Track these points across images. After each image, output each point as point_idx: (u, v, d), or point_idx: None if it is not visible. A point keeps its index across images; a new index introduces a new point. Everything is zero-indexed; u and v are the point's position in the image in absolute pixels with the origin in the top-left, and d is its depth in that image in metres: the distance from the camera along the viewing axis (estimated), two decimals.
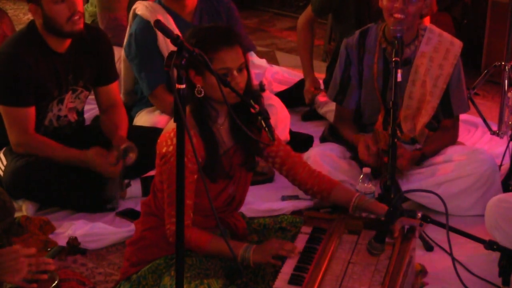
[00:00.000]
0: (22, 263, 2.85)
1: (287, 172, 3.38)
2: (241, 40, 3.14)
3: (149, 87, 4.60)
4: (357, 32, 4.29)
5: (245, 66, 3.14)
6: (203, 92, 3.04)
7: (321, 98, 5.21)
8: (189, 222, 3.10)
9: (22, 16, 7.57)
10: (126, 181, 4.31)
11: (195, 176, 3.11)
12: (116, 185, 4.20)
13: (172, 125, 3.13)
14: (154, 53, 4.56)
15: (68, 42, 4.15)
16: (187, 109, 3.12)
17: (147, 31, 4.55)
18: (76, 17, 4.02)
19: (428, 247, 3.87)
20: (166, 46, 4.50)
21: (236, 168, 3.26)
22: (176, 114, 2.51)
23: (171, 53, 2.52)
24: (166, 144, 3.09)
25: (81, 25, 4.06)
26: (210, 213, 3.21)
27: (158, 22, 2.50)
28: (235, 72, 3.07)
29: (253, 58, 5.88)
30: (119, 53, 5.14)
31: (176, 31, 4.54)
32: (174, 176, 3.01)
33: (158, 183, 3.21)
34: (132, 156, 4.12)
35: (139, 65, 4.62)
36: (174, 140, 3.03)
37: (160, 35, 4.53)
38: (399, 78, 3.82)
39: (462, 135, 4.99)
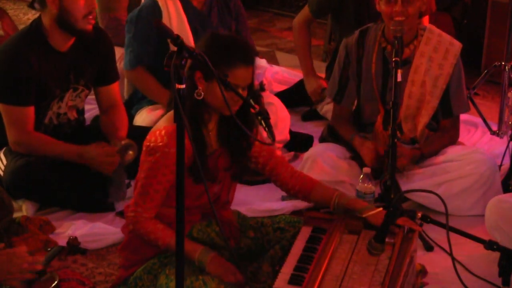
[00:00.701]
0: (14, 265, 2.86)
1: (269, 172, 3.40)
2: (255, 61, 3.16)
3: (131, 63, 4.65)
4: (357, 32, 4.30)
5: (249, 85, 3.16)
6: (202, 95, 3.04)
7: None
8: (152, 215, 3.14)
9: (22, 16, 7.56)
10: (127, 181, 4.31)
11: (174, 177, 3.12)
12: (117, 184, 4.19)
13: (162, 123, 3.15)
14: (151, 34, 4.58)
15: (71, 41, 4.15)
16: None
17: (152, 9, 4.59)
18: (91, 17, 4.04)
19: (428, 247, 3.87)
20: (170, 27, 4.52)
21: (220, 171, 3.27)
22: (176, 114, 2.51)
23: (171, 53, 2.53)
24: (155, 140, 3.11)
25: (91, 26, 4.08)
26: (193, 211, 3.24)
27: (158, 22, 2.50)
28: (240, 90, 3.08)
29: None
30: (120, 53, 5.14)
31: (183, 17, 4.58)
32: (155, 170, 3.08)
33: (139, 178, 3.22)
34: (131, 154, 4.11)
35: (131, 39, 4.66)
36: (165, 138, 3.07)
37: (165, 16, 4.56)
38: (399, 78, 3.82)
39: (462, 135, 4.98)
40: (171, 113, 3.10)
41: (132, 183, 4.30)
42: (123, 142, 4.12)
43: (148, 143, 3.14)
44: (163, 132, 3.10)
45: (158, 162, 3.08)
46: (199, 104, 3.11)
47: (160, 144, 3.08)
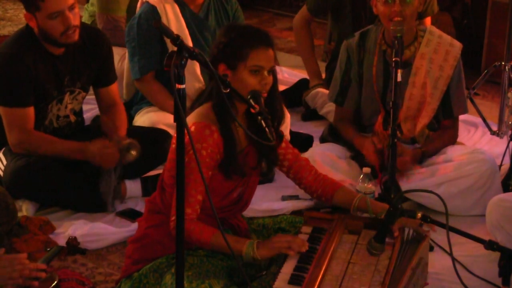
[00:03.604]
0: (15, 271, 2.85)
1: (294, 175, 3.42)
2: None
3: (140, 72, 4.64)
4: (357, 34, 4.30)
5: (274, 71, 3.19)
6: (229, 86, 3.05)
7: (322, 89, 5.22)
8: (195, 217, 3.10)
9: (22, 16, 7.55)
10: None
11: (210, 173, 3.11)
12: (110, 185, 4.18)
13: (191, 119, 3.13)
14: (153, 39, 4.59)
15: (63, 47, 4.14)
16: (208, 105, 3.15)
17: (151, 15, 4.59)
18: (70, 32, 4.02)
19: (428, 247, 3.86)
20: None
21: (248, 169, 3.27)
22: (176, 114, 2.51)
23: (171, 53, 2.53)
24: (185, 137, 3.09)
25: (76, 37, 4.05)
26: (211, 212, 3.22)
27: (157, 23, 2.50)
28: (265, 73, 3.12)
29: None
30: (118, 54, 5.14)
31: (182, 21, 4.59)
32: (190, 169, 3.04)
33: (167, 178, 3.21)
34: (133, 153, 4.11)
35: (135, 48, 4.66)
36: (195, 134, 3.05)
37: (164, 21, 4.56)
38: (399, 78, 3.82)
39: (462, 135, 4.98)
40: (200, 109, 3.15)
41: (132, 182, 4.31)
42: (125, 142, 4.12)
43: None
44: (192, 128, 3.09)
45: (192, 160, 3.06)
46: (226, 98, 3.10)
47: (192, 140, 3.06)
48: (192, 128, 3.09)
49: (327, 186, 3.40)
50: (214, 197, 3.15)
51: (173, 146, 3.16)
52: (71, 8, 4.00)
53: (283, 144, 3.37)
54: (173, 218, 3.09)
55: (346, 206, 3.37)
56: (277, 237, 3.11)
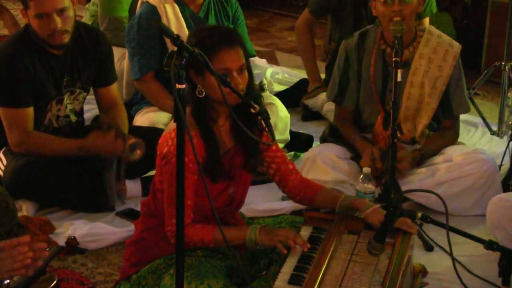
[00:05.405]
0: (17, 261, 2.84)
1: (280, 178, 3.39)
2: (242, 42, 3.13)
3: (140, 72, 4.64)
4: (357, 34, 4.30)
5: (246, 67, 3.12)
6: (204, 92, 3.03)
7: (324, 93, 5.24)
8: (189, 222, 3.10)
9: (22, 17, 7.55)
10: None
11: (195, 177, 3.10)
12: (113, 179, 4.19)
13: (173, 125, 3.11)
14: (153, 39, 4.59)
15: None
16: (188, 109, 3.11)
17: (151, 15, 4.60)
18: (57, 35, 4.01)
19: (428, 247, 3.87)
20: None
21: (236, 169, 3.26)
22: (176, 114, 2.51)
23: (171, 53, 2.53)
24: (167, 144, 3.08)
25: (65, 40, 4.03)
26: (209, 213, 3.20)
27: (158, 22, 2.51)
28: (235, 73, 3.04)
29: (253, 58, 5.90)
30: (119, 54, 5.14)
31: (182, 21, 4.60)
32: (175, 176, 3.02)
33: (158, 183, 3.20)
34: (138, 152, 4.10)
35: (135, 48, 4.66)
36: (176, 140, 3.03)
37: (164, 21, 4.56)
38: (399, 78, 3.82)
39: (462, 135, 4.99)
40: None
41: (132, 182, 4.32)
42: (130, 141, 4.11)
43: (162, 149, 3.10)
44: (173, 135, 3.07)
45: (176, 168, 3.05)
46: (203, 102, 3.10)
47: (173, 148, 3.05)
48: (173, 135, 3.06)
49: (309, 188, 3.37)
50: (204, 199, 3.13)
51: (158, 152, 3.14)
52: (60, 11, 3.98)
53: (273, 147, 3.34)
54: (169, 227, 3.09)
55: (330, 206, 3.35)
56: (282, 230, 3.10)
